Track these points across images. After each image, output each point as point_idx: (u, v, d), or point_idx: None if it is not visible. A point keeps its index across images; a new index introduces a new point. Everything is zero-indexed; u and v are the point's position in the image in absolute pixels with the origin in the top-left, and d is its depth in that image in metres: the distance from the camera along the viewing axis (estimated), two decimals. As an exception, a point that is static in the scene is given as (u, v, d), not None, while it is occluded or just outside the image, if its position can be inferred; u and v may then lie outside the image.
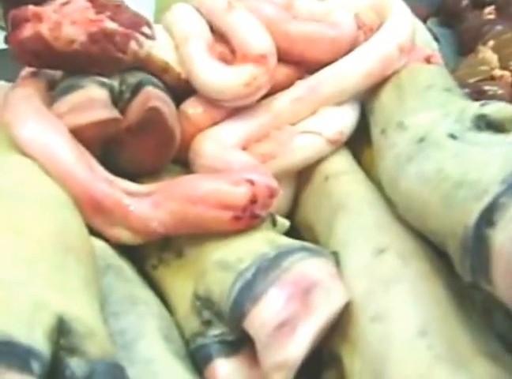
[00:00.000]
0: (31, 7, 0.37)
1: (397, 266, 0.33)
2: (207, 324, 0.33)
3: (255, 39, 0.41)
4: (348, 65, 0.42)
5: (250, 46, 0.41)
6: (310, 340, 0.30)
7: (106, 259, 0.34)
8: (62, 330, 0.24)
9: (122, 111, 0.38)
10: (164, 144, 0.39)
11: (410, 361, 0.29)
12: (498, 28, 0.60)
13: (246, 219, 0.34)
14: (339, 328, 0.32)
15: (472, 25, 0.63)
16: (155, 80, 0.40)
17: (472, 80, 0.53)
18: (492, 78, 0.53)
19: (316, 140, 0.41)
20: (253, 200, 0.34)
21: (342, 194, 0.39)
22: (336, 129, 0.42)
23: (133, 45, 0.39)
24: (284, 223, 0.37)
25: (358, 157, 0.43)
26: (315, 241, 0.38)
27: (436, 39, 0.54)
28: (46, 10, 0.37)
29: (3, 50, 0.43)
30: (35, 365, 0.22)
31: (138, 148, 0.39)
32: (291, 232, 0.37)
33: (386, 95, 0.42)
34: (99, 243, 0.35)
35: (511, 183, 0.27)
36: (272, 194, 0.35)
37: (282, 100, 0.42)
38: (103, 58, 0.38)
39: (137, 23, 0.39)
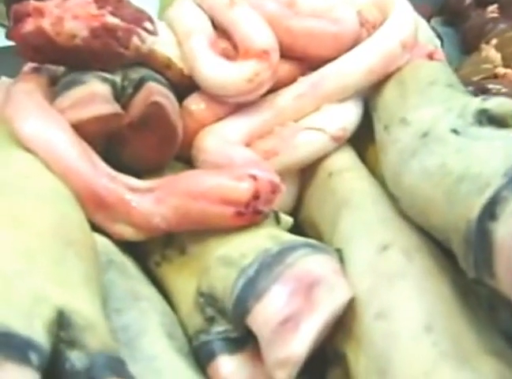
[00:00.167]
0: (32, 2, 0.37)
1: (401, 262, 0.32)
2: (210, 320, 0.32)
3: (257, 34, 0.41)
4: (351, 61, 0.42)
5: (252, 41, 0.41)
6: (313, 337, 0.30)
7: (108, 255, 0.34)
8: (61, 323, 0.24)
9: (125, 107, 0.38)
10: (167, 140, 0.39)
11: (415, 358, 0.29)
12: (501, 26, 0.60)
13: (249, 215, 0.34)
14: (343, 325, 0.32)
15: (475, 24, 0.63)
16: (157, 75, 0.40)
17: (475, 79, 0.53)
18: (495, 76, 0.53)
19: (319, 136, 0.41)
20: (256, 196, 0.34)
21: (346, 191, 0.39)
22: (339, 126, 0.41)
23: (135, 40, 0.39)
24: (288, 220, 0.37)
25: (362, 155, 0.42)
26: (319, 238, 0.37)
27: (440, 38, 0.54)
28: (47, 5, 0.37)
29: (5, 47, 0.43)
30: (34, 357, 0.22)
31: (141, 143, 0.39)
32: (295, 229, 0.37)
33: (389, 92, 0.41)
34: (101, 239, 0.34)
35: (513, 176, 0.27)
36: (274, 190, 0.35)
37: (285, 96, 0.42)
38: (105, 53, 0.38)
39: (139, 18, 0.39)
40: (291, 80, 0.42)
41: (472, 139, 0.32)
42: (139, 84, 0.38)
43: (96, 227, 0.34)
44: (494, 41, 0.57)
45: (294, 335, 0.29)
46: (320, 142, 0.41)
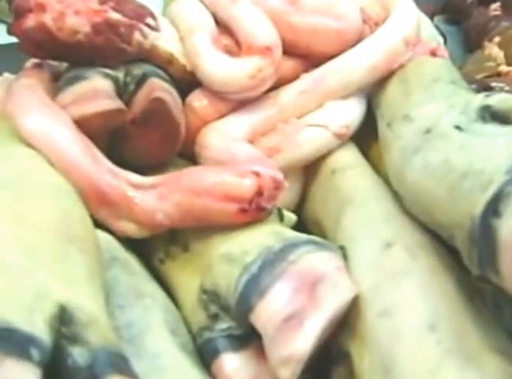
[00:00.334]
0: (34, -3, 0.37)
1: (404, 260, 0.32)
2: (214, 318, 0.32)
3: (260, 30, 0.41)
4: (354, 58, 0.42)
5: (255, 38, 0.40)
6: (317, 334, 0.29)
7: (112, 252, 0.34)
8: (63, 319, 0.24)
9: (127, 103, 0.37)
10: (169, 137, 0.39)
11: (419, 356, 0.29)
12: (504, 24, 0.59)
13: (252, 212, 0.34)
14: (347, 323, 0.32)
15: (478, 22, 0.62)
16: (160, 71, 0.40)
17: (478, 77, 0.53)
18: (499, 74, 0.53)
19: (322, 133, 0.41)
20: (259, 193, 0.34)
21: (349, 188, 0.38)
22: (342, 123, 0.41)
23: (137, 36, 0.38)
24: (291, 217, 0.37)
25: (366, 152, 0.42)
26: (323, 235, 0.37)
27: (443, 36, 0.54)
28: (49, 0, 0.37)
29: (8, 44, 0.43)
30: (35, 353, 0.22)
31: (143, 140, 0.38)
32: (299, 227, 0.37)
33: (392, 89, 0.41)
34: (105, 236, 0.34)
35: (516, 173, 0.27)
36: (277, 186, 0.35)
37: (288, 93, 0.42)
38: (108, 48, 0.38)
39: (141, 14, 0.39)
40: (293, 77, 0.42)
41: (475, 135, 0.32)
42: (141, 80, 0.38)
43: (99, 224, 0.34)
44: (497, 39, 0.56)
45: (297, 333, 0.29)
46: (323, 139, 0.41)
